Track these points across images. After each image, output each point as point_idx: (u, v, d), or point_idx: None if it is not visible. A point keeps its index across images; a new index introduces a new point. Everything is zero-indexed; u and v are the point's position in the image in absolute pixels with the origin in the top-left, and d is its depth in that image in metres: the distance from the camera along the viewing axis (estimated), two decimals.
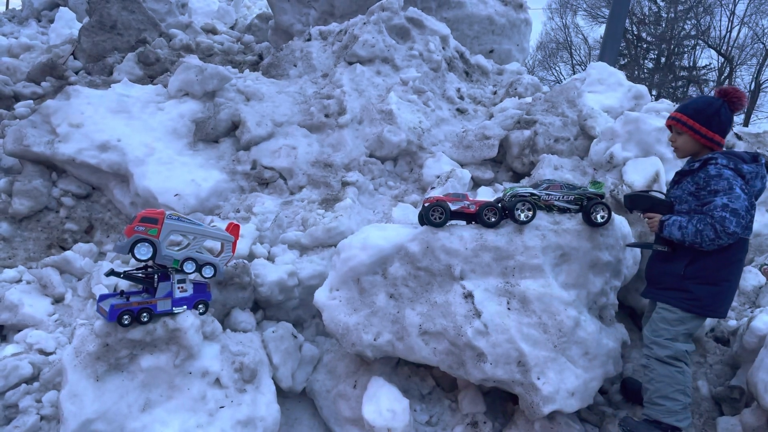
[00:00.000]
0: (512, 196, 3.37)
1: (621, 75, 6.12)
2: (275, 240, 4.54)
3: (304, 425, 3.84)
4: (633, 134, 4.50)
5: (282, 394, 3.72)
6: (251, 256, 4.23)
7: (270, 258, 4.29)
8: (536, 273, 3.31)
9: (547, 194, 3.40)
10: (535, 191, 3.40)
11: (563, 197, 3.41)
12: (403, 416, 3.41)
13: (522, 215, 3.27)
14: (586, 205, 3.35)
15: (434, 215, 3.44)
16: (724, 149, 3.28)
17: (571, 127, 5.53)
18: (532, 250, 3.30)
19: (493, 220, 3.38)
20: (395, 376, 3.82)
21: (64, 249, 5.03)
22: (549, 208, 3.41)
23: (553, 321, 3.24)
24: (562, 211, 3.43)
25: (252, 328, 3.85)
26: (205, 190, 5.04)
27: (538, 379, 3.17)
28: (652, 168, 4.30)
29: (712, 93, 3.39)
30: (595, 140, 4.97)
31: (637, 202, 3.31)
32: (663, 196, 3.26)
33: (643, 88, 5.88)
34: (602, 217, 3.33)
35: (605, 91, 5.90)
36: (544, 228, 3.35)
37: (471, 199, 3.47)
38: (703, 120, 3.19)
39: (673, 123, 3.32)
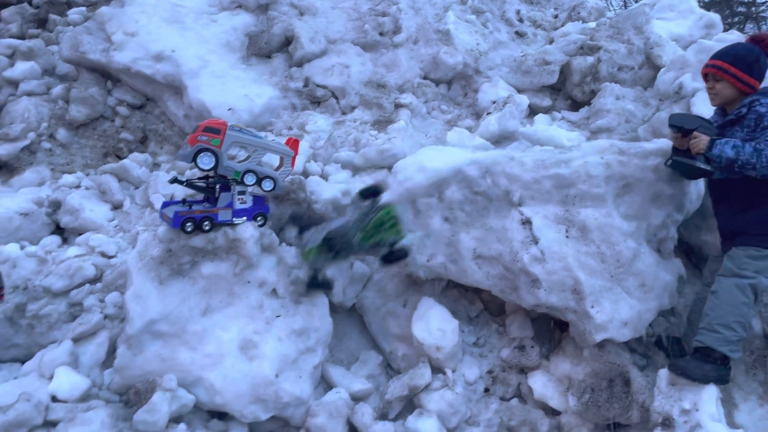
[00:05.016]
0: None
1: (693, 2, 5.74)
2: (328, 159, 4.52)
3: (352, 340, 3.95)
4: None
5: (332, 309, 3.80)
6: (305, 174, 4.24)
7: (323, 176, 4.30)
8: (598, 202, 3.25)
9: None
10: None
11: None
12: (452, 336, 3.48)
13: None
14: None
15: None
16: None
17: (637, 56, 5.28)
18: (595, 179, 3.23)
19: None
20: (444, 297, 3.87)
21: (119, 158, 5.11)
22: None
23: (612, 251, 3.21)
24: None
25: None
26: (259, 106, 5.00)
27: (592, 307, 3.17)
28: None
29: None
30: (662, 69, 4.74)
31: (685, 121, 3.21)
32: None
33: (715, 17, 5.51)
34: None
35: (675, 18, 5.58)
36: (608, 157, 3.27)
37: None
38: (744, 67, 3.15)
39: (712, 71, 3.25)
